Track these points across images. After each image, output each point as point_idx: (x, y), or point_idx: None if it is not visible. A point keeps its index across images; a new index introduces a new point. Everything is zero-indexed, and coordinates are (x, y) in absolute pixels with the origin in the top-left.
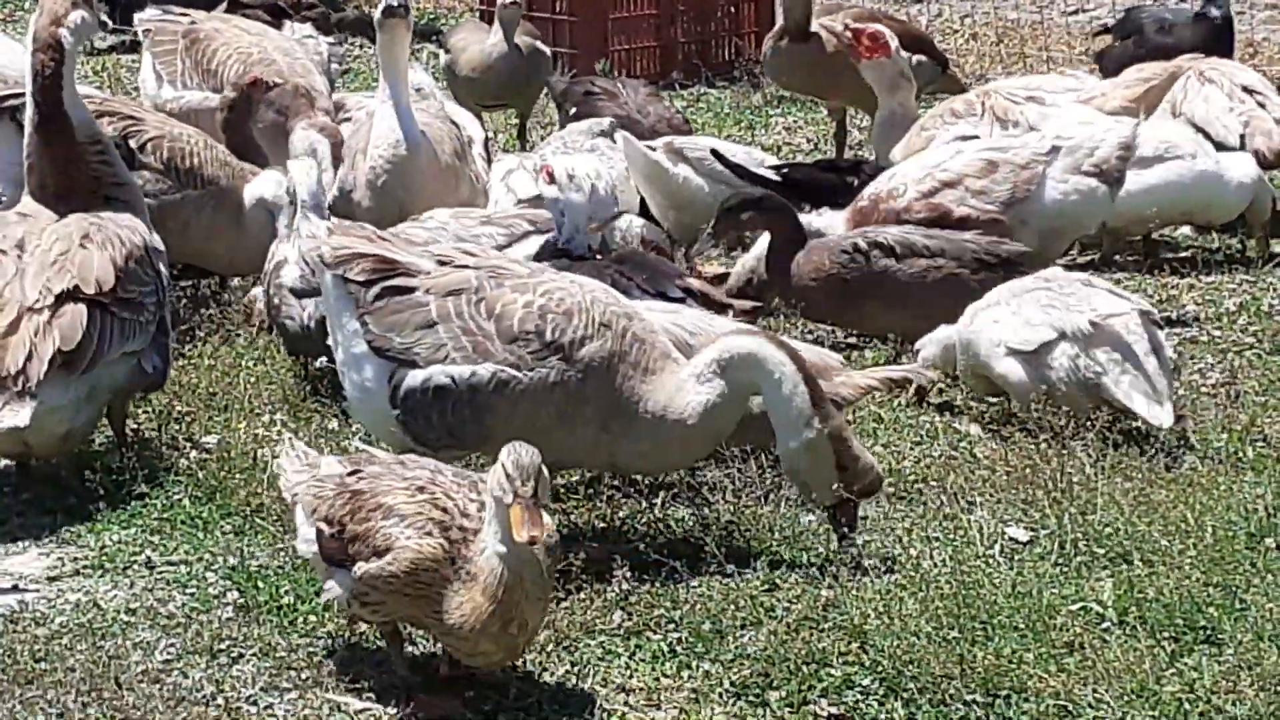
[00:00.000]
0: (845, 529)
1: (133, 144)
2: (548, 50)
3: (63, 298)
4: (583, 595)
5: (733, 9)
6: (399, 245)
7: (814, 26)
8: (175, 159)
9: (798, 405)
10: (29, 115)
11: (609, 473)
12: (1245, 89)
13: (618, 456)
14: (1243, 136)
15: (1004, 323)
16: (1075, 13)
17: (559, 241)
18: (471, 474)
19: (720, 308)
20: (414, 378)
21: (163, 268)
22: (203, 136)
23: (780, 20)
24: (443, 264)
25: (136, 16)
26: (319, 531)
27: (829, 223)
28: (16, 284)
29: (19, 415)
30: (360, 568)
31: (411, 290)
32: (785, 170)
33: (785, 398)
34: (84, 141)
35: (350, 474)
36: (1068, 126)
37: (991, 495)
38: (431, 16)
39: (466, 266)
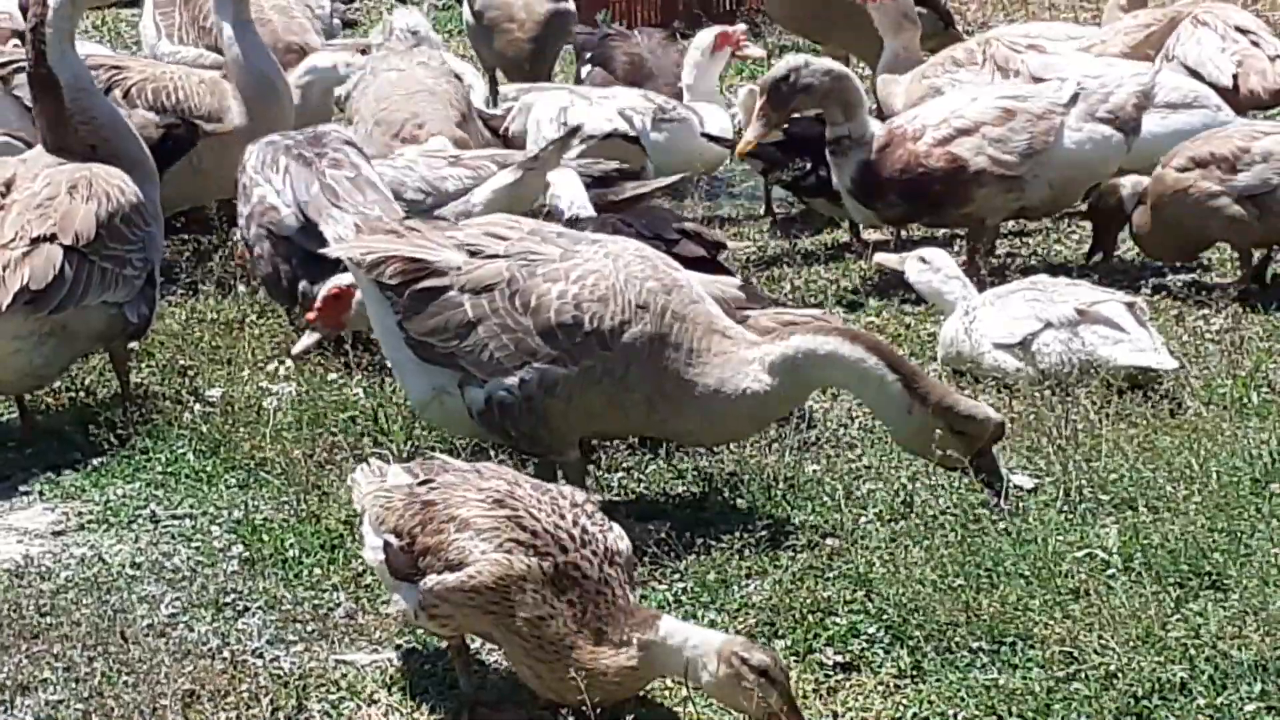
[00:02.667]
0: (989, 480)
1: (117, 92)
2: (570, 5)
3: (38, 242)
4: None
5: None
6: (427, 235)
7: None
8: (161, 98)
9: (892, 396)
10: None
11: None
12: (1239, 29)
13: (668, 431)
14: (1236, 76)
15: (989, 320)
16: None
17: None
18: (551, 488)
19: (716, 247)
20: (478, 398)
21: (154, 226)
22: (184, 70)
23: None
24: (473, 254)
25: None
26: (386, 544)
27: None
28: None
29: None
30: (431, 580)
31: (445, 290)
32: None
33: (877, 392)
34: (72, 110)
35: (421, 483)
36: (1086, 73)
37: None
38: None
39: (497, 256)
